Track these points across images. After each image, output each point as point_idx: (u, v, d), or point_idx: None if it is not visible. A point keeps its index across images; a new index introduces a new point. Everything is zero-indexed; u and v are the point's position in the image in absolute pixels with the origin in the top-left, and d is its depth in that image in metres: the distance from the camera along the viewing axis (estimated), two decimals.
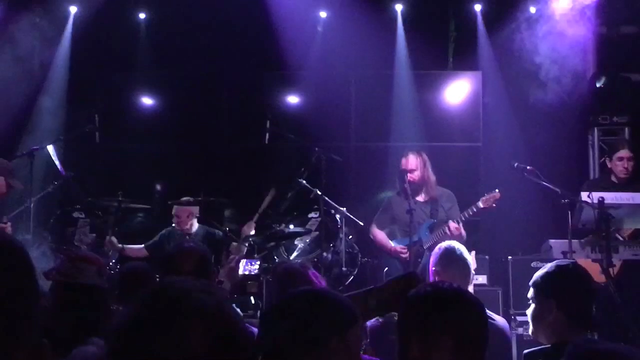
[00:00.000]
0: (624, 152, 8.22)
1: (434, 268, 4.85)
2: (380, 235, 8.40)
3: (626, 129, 10.23)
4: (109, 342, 1.65)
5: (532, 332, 3.79)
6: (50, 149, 8.93)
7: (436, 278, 4.73)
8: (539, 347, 3.70)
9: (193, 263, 4.09)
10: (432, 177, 8.12)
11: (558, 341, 3.56)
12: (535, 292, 3.74)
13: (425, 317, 2.69)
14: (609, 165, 8.31)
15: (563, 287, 3.70)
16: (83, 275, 3.89)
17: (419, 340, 2.66)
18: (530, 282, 3.79)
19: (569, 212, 7.22)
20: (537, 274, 3.77)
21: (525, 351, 3.79)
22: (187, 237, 8.73)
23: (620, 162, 8.18)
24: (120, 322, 1.64)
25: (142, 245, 9.01)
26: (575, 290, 3.70)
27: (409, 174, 8.03)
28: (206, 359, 1.59)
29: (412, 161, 8.10)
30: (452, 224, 7.79)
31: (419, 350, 2.66)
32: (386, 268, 8.34)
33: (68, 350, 3.31)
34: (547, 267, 3.78)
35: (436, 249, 4.97)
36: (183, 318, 1.60)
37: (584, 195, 7.19)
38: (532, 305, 3.75)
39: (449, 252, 4.86)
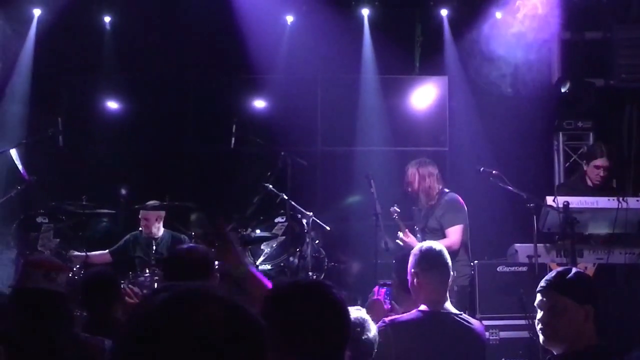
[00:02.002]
0: (601, 161, 8.04)
1: (412, 270, 4.64)
2: None
3: (590, 134, 10.32)
4: (125, 336, 1.65)
5: (549, 341, 3.63)
6: (13, 152, 8.83)
7: (414, 280, 4.62)
8: (561, 355, 3.59)
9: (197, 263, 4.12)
10: (430, 187, 7.97)
11: (581, 347, 3.53)
12: (562, 297, 3.58)
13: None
14: (585, 169, 8.23)
15: (596, 293, 3.64)
16: (29, 280, 3.90)
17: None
18: (554, 287, 3.61)
19: (535, 217, 7.23)
20: (563, 279, 3.61)
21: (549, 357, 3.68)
22: (154, 241, 8.68)
23: (597, 170, 8.03)
24: (140, 316, 1.65)
25: (107, 251, 8.95)
26: (601, 296, 3.68)
27: (408, 187, 8.08)
28: (224, 349, 1.61)
29: (408, 175, 8.08)
30: (402, 235, 7.83)
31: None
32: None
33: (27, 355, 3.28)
34: (567, 272, 3.65)
35: (415, 250, 4.75)
36: (203, 309, 1.63)
37: (549, 200, 7.23)
38: (555, 313, 3.58)
39: (429, 254, 4.67)
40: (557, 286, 3.61)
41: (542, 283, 3.68)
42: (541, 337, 3.64)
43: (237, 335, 1.64)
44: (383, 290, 4.74)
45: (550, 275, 3.70)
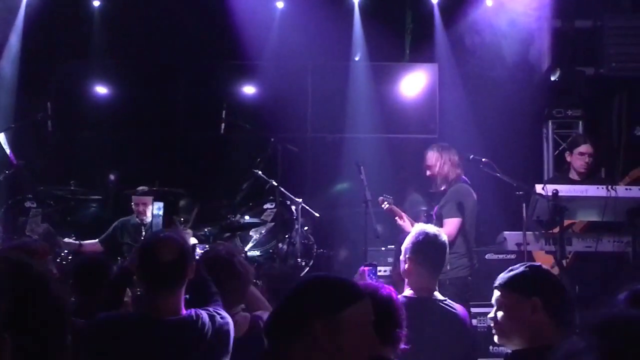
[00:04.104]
0: (584, 148, 8.10)
1: (407, 255, 4.56)
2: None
3: (580, 123, 10.32)
4: None
5: (501, 339, 3.56)
6: (1, 137, 8.79)
7: (406, 265, 4.58)
8: (519, 349, 3.50)
9: (176, 252, 3.97)
10: (449, 173, 7.91)
11: (542, 344, 3.38)
12: (510, 293, 3.53)
13: None
14: (569, 159, 8.24)
15: (546, 284, 3.55)
16: None
17: None
18: (500, 284, 3.56)
19: (524, 205, 7.25)
20: (508, 276, 3.56)
21: (508, 352, 3.60)
22: (143, 227, 8.65)
23: (581, 157, 8.08)
24: None
25: (97, 240, 8.91)
26: (558, 288, 3.56)
27: (427, 170, 8.02)
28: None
29: (429, 157, 7.98)
30: (399, 221, 7.87)
31: None
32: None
33: None
34: (517, 268, 3.59)
35: (412, 235, 4.63)
36: None
37: (539, 188, 7.24)
38: (503, 310, 3.53)
39: (425, 243, 4.56)
40: (503, 284, 3.57)
41: (495, 281, 3.64)
42: (495, 337, 3.58)
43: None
44: (367, 268, 4.67)
45: (502, 273, 3.63)
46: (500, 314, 3.54)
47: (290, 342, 2.48)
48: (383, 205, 7.98)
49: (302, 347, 2.46)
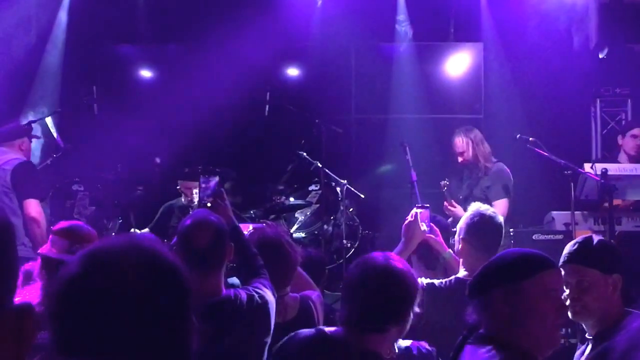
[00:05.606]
0: (638, 130, 8.17)
1: (461, 236, 4.50)
2: None
3: (629, 101, 10.16)
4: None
5: (580, 317, 3.48)
6: (49, 121, 8.87)
7: (460, 246, 4.55)
8: (601, 331, 3.41)
9: (210, 237, 3.96)
10: (489, 152, 7.98)
11: (616, 318, 3.38)
12: (589, 270, 3.40)
13: None
14: (620, 142, 8.26)
15: (621, 260, 3.48)
16: (55, 247, 4.09)
17: None
18: (577, 259, 3.43)
19: (572, 184, 7.16)
20: (584, 251, 3.43)
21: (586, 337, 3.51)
22: (190, 208, 8.69)
23: (634, 139, 8.12)
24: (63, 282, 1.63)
25: (147, 229, 8.96)
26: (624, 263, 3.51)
27: (459, 157, 8.03)
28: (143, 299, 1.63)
29: (458, 144, 8.03)
30: (447, 205, 7.77)
31: None
32: None
33: None
34: (587, 242, 3.47)
35: (467, 216, 4.58)
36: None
37: (587, 167, 7.15)
38: (584, 287, 3.40)
39: (480, 225, 4.48)
40: (581, 258, 3.44)
41: (565, 256, 3.49)
42: (569, 313, 3.41)
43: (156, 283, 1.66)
44: (421, 211, 4.65)
45: (572, 247, 3.50)
46: (578, 291, 3.43)
47: (479, 308, 2.85)
48: (444, 189, 7.98)
49: (486, 313, 2.81)
